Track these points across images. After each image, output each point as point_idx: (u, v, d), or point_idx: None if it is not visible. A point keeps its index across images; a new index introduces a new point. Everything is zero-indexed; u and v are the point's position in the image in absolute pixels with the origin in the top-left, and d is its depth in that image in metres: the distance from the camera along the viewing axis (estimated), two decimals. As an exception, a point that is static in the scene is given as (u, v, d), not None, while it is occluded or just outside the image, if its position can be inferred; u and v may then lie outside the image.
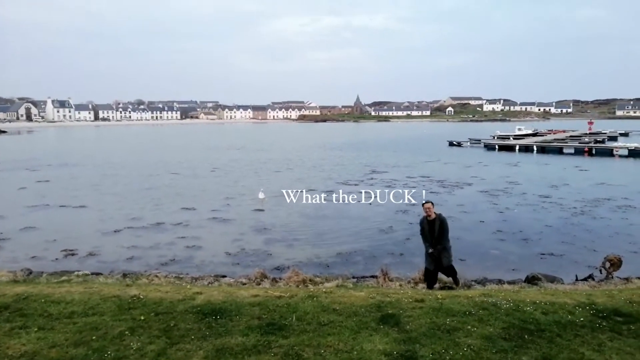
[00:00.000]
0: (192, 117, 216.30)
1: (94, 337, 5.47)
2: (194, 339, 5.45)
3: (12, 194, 25.56)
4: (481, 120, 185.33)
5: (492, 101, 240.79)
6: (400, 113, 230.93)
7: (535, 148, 50.83)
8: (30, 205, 21.60)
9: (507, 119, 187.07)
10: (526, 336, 5.52)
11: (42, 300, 6.64)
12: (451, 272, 8.93)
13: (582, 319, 6.04)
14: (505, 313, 6.20)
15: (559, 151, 49.37)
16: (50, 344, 5.31)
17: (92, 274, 11.48)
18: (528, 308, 6.37)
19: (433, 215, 8.41)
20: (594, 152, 46.83)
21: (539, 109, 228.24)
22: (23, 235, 16.37)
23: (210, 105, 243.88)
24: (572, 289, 8.01)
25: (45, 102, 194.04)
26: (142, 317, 6.04)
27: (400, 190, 25.36)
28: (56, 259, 13.74)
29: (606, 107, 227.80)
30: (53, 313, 6.21)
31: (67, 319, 6.01)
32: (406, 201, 22.21)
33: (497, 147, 54.52)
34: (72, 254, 14.12)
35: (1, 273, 11.23)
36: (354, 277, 11.39)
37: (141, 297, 6.82)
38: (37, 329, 5.72)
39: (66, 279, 9.93)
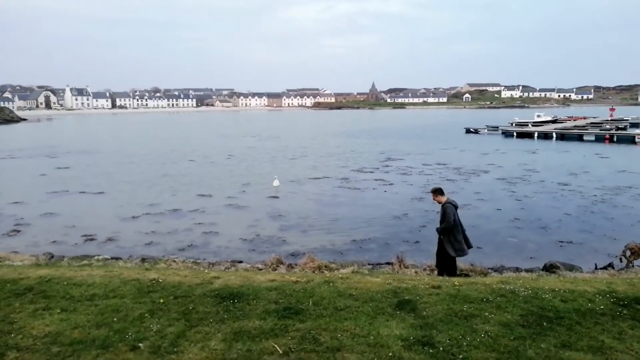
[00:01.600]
0: (207, 105, 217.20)
1: (114, 319, 5.58)
2: (212, 321, 5.52)
3: (33, 180, 26.10)
4: (499, 107, 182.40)
5: (510, 87, 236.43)
6: (416, 100, 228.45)
7: (554, 135, 49.92)
8: (50, 192, 22.05)
9: (526, 105, 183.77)
10: (545, 323, 5.46)
11: (64, 283, 6.79)
12: (438, 261, 8.56)
13: (602, 306, 5.95)
14: (523, 300, 6.14)
15: (579, 138, 48.41)
16: (73, 325, 5.43)
17: (112, 258, 11.73)
18: (547, 295, 6.30)
19: (441, 202, 8.23)
20: (615, 139, 45.80)
21: (559, 95, 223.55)
22: (44, 221, 16.74)
23: (225, 92, 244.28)
24: (592, 277, 7.89)
25: (63, 90, 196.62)
26: (162, 300, 6.14)
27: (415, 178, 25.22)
28: (76, 243, 14.04)
29: (628, 93, 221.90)
30: (75, 295, 6.35)
31: (89, 301, 6.14)
32: (419, 188, 22.08)
33: (515, 134, 53.65)
34: (92, 239, 14.42)
35: (24, 257, 11.54)
36: (369, 264, 11.42)
37: (160, 280, 6.92)
38: (60, 310, 5.86)
39: (87, 263, 10.15)
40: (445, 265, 8.39)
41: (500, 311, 5.79)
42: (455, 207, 8.23)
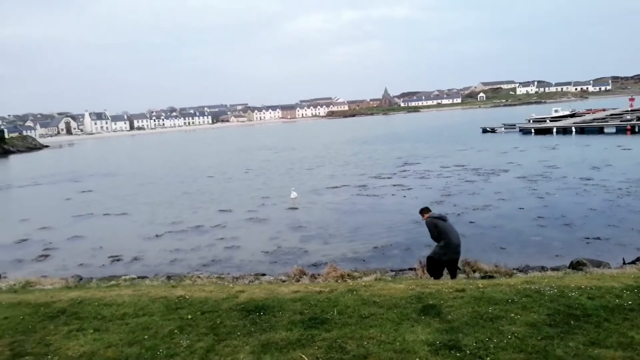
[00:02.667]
0: (223, 121, 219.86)
1: (145, 337, 5.73)
2: (240, 335, 5.63)
3: (59, 205, 26.82)
4: (515, 104, 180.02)
5: (525, 84, 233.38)
6: (430, 102, 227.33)
7: (573, 129, 49.10)
8: (76, 215, 22.62)
9: (543, 101, 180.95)
10: (572, 322, 5.41)
11: (95, 304, 6.99)
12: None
13: (630, 302, 5.87)
14: (549, 299, 6.09)
15: (599, 131, 47.50)
16: (106, 344, 5.60)
17: (138, 277, 11.97)
18: (573, 293, 6.24)
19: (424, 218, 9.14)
20: (637, 129, 44.77)
21: (576, 89, 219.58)
22: (71, 244, 17.19)
23: (239, 107, 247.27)
24: (620, 273, 7.77)
25: (83, 116, 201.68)
26: (189, 316, 6.28)
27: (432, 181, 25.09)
28: (103, 265, 14.38)
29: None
30: (106, 315, 6.53)
31: (120, 320, 6.32)
32: (438, 191, 21.97)
33: (533, 130, 52.90)
34: (118, 260, 14.75)
35: (54, 280, 11.86)
36: (392, 271, 11.43)
37: (187, 297, 7.07)
38: (93, 330, 6.04)
39: (115, 283, 10.40)
40: (430, 264, 9.08)
41: (527, 311, 5.76)
42: (441, 218, 9.07)
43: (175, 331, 5.83)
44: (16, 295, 8.16)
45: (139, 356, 5.25)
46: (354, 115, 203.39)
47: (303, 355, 5.02)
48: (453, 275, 9.11)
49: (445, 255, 8.79)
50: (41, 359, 5.36)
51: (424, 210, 9.26)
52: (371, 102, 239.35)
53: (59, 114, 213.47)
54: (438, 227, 8.78)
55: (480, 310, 5.86)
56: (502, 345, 4.95)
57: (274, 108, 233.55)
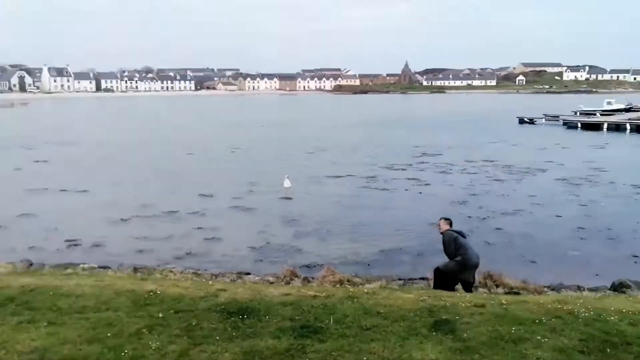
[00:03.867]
0: (208, 88, 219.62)
1: (109, 334, 5.88)
2: (219, 339, 5.77)
3: (8, 175, 26.92)
4: (560, 92, 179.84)
5: (574, 68, 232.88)
6: (458, 83, 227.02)
7: (628, 127, 49.19)
8: (27, 189, 22.74)
9: (594, 90, 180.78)
10: (609, 350, 5.56)
11: (50, 293, 7.15)
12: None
13: (678, 332, 6.02)
14: (583, 323, 6.24)
15: (659, 131, 47.59)
16: (62, 340, 5.75)
17: (99, 267, 12.13)
18: (612, 318, 6.38)
19: (442, 230, 9.35)
20: None
21: (635, 78, 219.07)
22: (21, 223, 17.32)
23: (229, 74, 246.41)
24: (669, 298, 7.92)
25: (40, 70, 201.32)
26: (161, 315, 6.43)
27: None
28: (58, 249, 14.54)
29: None
30: (63, 307, 6.68)
31: (79, 314, 6.47)
32: (461, 189, 22.11)
33: (579, 125, 53.03)
34: (76, 245, 14.90)
35: (0, 264, 12.00)
36: (399, 279, 11.57)
37: (158, 292, 7.22)
38: (47, 323, 6.19)
39: (72, 271, 10.54)
40: (438, 277, 9.28)
41: (556, 335, 5.91)
42: (461, 234, 9.22)
43: (144, 330, 5.98)
44: (-45, 278, 8.30)
45: (100, 355, 5.41)
46: (366, 92, 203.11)
47: (292, 368, 5.17)
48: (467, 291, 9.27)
49: (461, 274, 8.96)
50: (-15, 353, 5.51)
51: (445, 221, 9.40)
52: (388, 78, 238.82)
53: (12, 66, 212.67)
54: (457, 242, 8.94)
55: (501, 330, 6.01)
56: (524, 372, 5.11)
57: (270, 77, 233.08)
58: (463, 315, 6.45)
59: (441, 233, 9.33)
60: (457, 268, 8.89)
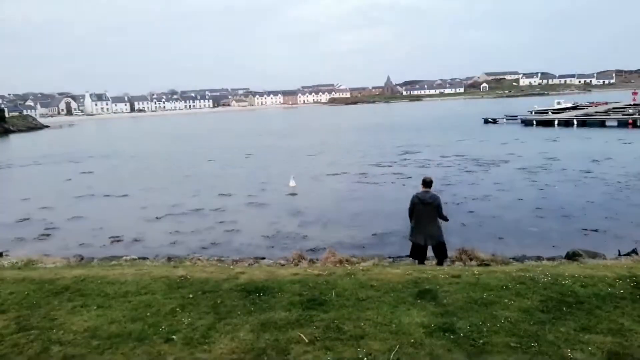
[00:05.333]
0: (224, 105, 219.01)
1: (148, 314, 5.89)
2: (240, 314, 5.78)
3: (59, 185, 26.92)
4: (518, 96, 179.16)
5: (529, 75, 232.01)
6: (432, 92, 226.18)
7: (575, 122, 49.03)
8: (76, 196, 22.74)
9: (546, 93, 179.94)
10: (564, 308, 5.57)
11: (99, 282, 7.15)
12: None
13: (622, 291, 6.02)
14: (543, 287, 6.24)
15: (600, 124, 47.44)
16: (110, 320, 5.76)
17: (139, 258, 12.13)
18: (567, 281, 6.39)
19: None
20: (638, 123, 44.72)
21: (580, 81, 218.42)
22: (72, 224, 17.33)
23: (241, 92, 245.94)
24: (614, 263, 7.92)
25: (83, 96, 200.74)
26: (191, 295, 6.43)
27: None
28: (104, 245, 14.53)
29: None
30: (109, 293, 6.69)
31: (123, 298, 6.48)
32: (437, 180, 22.05)
33: (535, 122, 52.81)
34: (119, 241, 14.89)
35: (56, 259, 12.01)
36: (389, 257, 11.57)
37: (188, 277, 7.22)
38: (96, 307, 6.19)
39: (116, 263, 10.55)
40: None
41: (520, 298, 5.91)
42: (422, 201, 8.68)
43: (177, 309, 5.99)
44: (20, 272, 8.30)
45: (141, 332, 5.41)
46: (355, 103, 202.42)
47: (301, 335, 5.17)
48: (438, 262, 9.08)
49: (411, 237, 8.73)
50: (46, 333, 5.51)
51: (424, 182, 9.00)
52: (373, 90, 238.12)
53: (60, 94, 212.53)
54: (415, 207, 8.63)
55: (474, 296, 6.02)
56: (495, 329, 5.10)
57: (275, 93, 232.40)
58: (442, 285, 6.45)
59: None
60: (410, 232, 8.64)
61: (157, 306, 6.11)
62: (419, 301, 5.96)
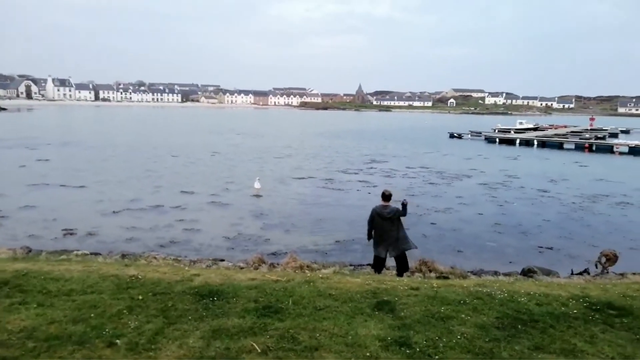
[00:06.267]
0: (192, 101, 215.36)
1: (92, 315, 5.52)
2: (191, 319, 5.51)
3: (12, 172, 25.55)
4: (483, 113, 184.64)
5: (494, 94, 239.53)
6: (402, 103, 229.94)
7: (535, 142, 50.76)
8: (30, 184, 21.62)
9: (509, 112, 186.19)
10: (519, 326, 5.58)
11: (42, 277, 6.69)
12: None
13: (575, 311, 6.10)
14: (499, 303, 6.26)
15: (559, 146, 49.30)
16: (49, 320, 5.36)
17: (91, 253, 11.54)
18: (522, 299, 6.44)
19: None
20: (594, 148, 46.77)
21: (541, 104, 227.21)
22: (23, 214, 16.41)
23: (211, 89, 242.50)
24: (567, 282, 8.09)
25: (45, 80, 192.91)
26: (140, 297, 6.10)
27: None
28: (55, 237, 13.80)
29: (608, 104, 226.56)
30: (52, 290, 6.26)
31: (66, 297, 6.07)
32: (402, 191, 22.25)
33: (497, 140, 54.41)
34: (71, 234, 14.19)
35: (1, 250, 11.30)
36: (351, 265, 11.46)
37: (139, 277, 6.87)
38: (36, 305, 5.77)
39: (65, 257, 10.00)
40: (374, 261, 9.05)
41: (477, 313, 5.90)
42: (380, 216, 8.84)
43: (124, 311, 5.65)
44: (-45, 263, 7.71)
45: (83, 334, 5.06)
46: (326, 109, 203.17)
47: (254, 344, 4.96)
48: (399, 274, 9.10)
49: (374, 249, 8.84)
50: (-23, 331, 5.08)
51: (383, 196, 9.04)
52: (345, 97, 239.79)
53: (20, 76, 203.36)
54: (374, 220, 8.73)
55: (432, 309, 5.96)
56: (450, 345, 5.05)
57: (246, 93, 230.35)
58: (401, 297, 6.38)
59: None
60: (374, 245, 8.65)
61: (103, 307, 5.76)
62: (376, 312, 5.85)
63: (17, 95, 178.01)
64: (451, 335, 5.25)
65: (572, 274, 11.28)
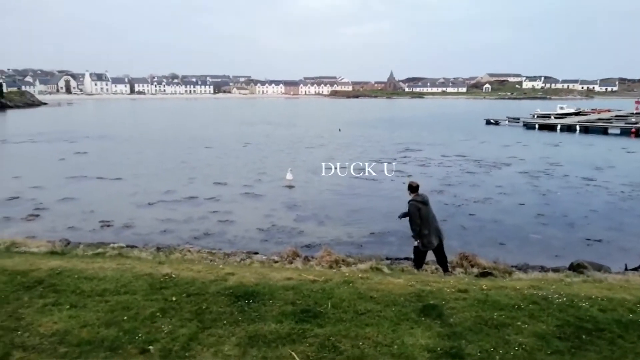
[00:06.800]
0: (224, 92, 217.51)
1: (125, 318, 5.31)
2: (226, 323, 5.21)
3: (52, 165, 26.25)
4: (520, 98, 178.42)
5: (532, 78, 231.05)
6: (435, 89, 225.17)
7: (578, 128, 48.52)
8: (69, 177, 22.09)
9: (548, 97, 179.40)
10: (584, 336, 5.03)
11: (75, 276, 6.55)
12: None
13: (645, 318, 5.48)
14: (558, 309, 5.70)
15: (603, 131, 46.92)
16: (82, 323, 5.18)
17: (127, 246, 11.53)
18: (583, 304, 5.84)
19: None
20: (642, 133, 44.23)
21: (582, 87, 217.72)
22: (62, 206, 16.72)
23: (242, 80, 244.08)
24: (628, 284, 7.37)
25: (83, 75, 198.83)
26: (174, 298, 5.86)
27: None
28: (93, 229, 13.96)
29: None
30: (85, 290, 6.10)
31: (99, 297, 5.89)
32: (438, 180, 21.54)
33: (537, 126, 52.32)
34: (108, 226, 14.32)
35: (41, 243, 11.41)
36: (387, 259, 11.02)
37: (173, 276, 6.64)
38: (69, 306, 5.61)
39: (102, 251, 9.96)
40: (414, 256, 8.87)
41: (534, 320, 5.36)
42: (423, 202, 8.57)
43: (158, 314, 5.41)
44: (-5, 259, 7.72)
45: (115, 339, 4.84)
46: (357, 97, 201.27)
47: (293, 353, 4.62)
48: (445, 268, 8.73)
49: (427, 243, 8.49)
50: (9, 335, 4.93)
51: (411, 188, 8.78)
52: (376, 85, 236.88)
53: (60, 71, 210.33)
54: (420, 211, 8.39)
55: (484, 315, 5.46)
56: (508, 357, 4.56)
57: (277, 83, 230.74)
58: (448, 301, 5.89)
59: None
60: (425, 240, 8.41)
61: (136, 309, 5.53)
62: (423, 318, 5.40)
63: (57, 90, 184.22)
64: (508, 346, 4.76)
65: (626, 269, 10.51)
